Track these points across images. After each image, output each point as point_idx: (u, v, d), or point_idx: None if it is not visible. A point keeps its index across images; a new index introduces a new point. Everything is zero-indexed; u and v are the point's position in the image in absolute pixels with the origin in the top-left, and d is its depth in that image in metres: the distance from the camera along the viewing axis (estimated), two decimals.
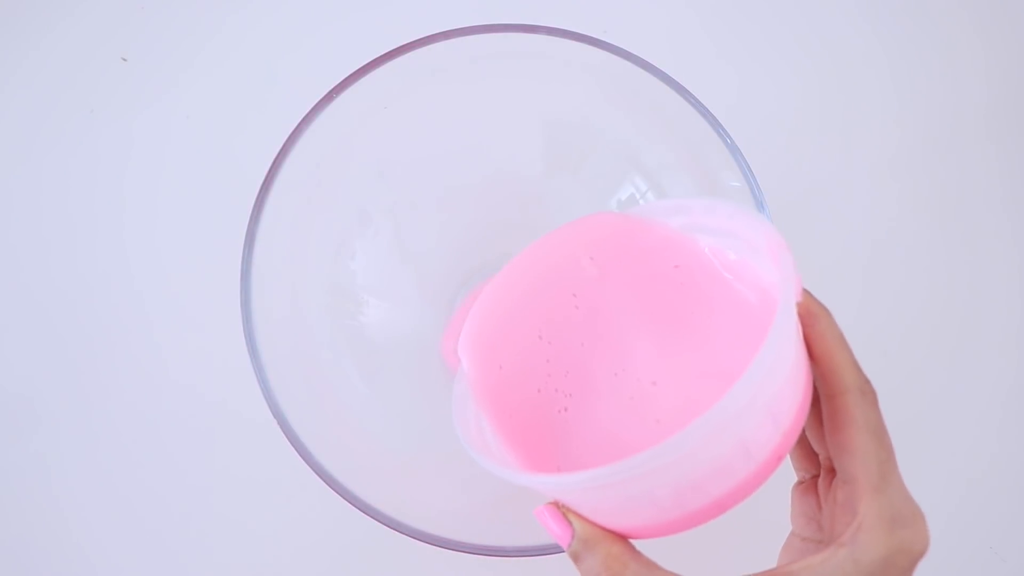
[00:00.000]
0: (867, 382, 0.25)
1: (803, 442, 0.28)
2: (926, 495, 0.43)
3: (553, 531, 0.25)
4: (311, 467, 0.34)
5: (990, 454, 0.45)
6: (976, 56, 0.50)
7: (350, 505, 0.34)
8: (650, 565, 0.24)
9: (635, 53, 0.37)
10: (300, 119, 0.37)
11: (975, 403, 0.45)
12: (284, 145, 0.36)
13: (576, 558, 0.25)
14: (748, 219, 0.26)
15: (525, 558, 0.33)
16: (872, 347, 0.45)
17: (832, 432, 0.25)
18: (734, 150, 0.36)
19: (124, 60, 0.49)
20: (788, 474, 0.31)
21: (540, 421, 0.30)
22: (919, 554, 0.23)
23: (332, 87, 0.37)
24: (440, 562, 0.37)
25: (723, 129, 0.36)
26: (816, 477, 0.28)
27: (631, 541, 0.25)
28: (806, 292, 0.26)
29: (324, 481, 0.34)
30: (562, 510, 0.25)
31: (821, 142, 0.48)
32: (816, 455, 0.28)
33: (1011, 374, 0.46)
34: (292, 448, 0.34)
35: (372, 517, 0.33)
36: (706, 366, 0.29)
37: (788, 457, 0.29)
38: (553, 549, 0.33)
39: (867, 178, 0.48)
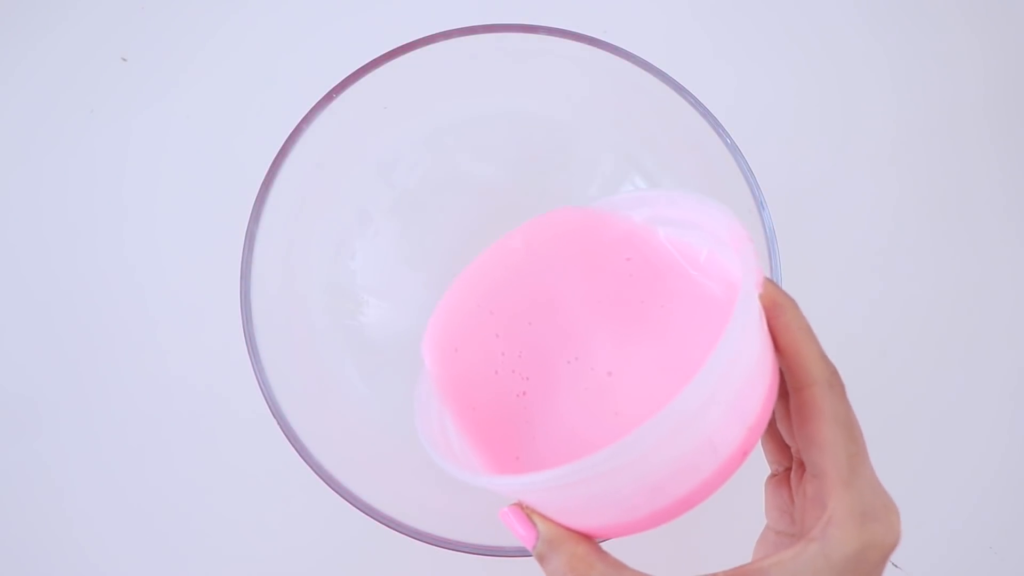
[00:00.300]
0: (835, 373, 0.24)
1: (775, 435, 0.28)
2: (926, 495, 0.43)
3: (518, 533, 0.25)
4: (310, 466, 0.34)
5: (990, 454, 0.45)
6: (975, 53, 0.50)
7: (349, 504, 0.34)
8: (617, 565, 0.24)
9: (635, 53, 0.37)
10: (300, 119, 0.37)
11: (975, 402, 0.45)
12: (284, 145, 0.36)
13: (541, 559, 0.24)
14: (710, 210, 0.26)
15: (525, 558, 0.33)
16: (871, 347, 0.46)
17: (800, 425, 0.24)
18: (734, 150, 0.36)
19: (124, 60, 0.49)
20: (756, 470, 0.31)
21: (501, 411, 0.30)
22: (890, 547, 0.23)
23: (332, 87, 0.37)
24: (438, 562, 0.37)
25: (723, 129, 0.36)
26: (789, 470, 0.28)
27: (598, 541, 0.25)
28: (771, 283, 0.25)
29: (323, 480, 0.34)
30: (526, 511, 0.25)
31: (821, 141, 0.48)
32: (788, 448, 0.28)
33: (1012, 373, 0.46)
34: (292, 447, 0.34)
35: (371, 516, 0.33)
36: (666, 359, 0.29)
37: (761, 450, 0.29)
38: None
39: (867, 177, 0.48)
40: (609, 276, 0.30)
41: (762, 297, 0.25)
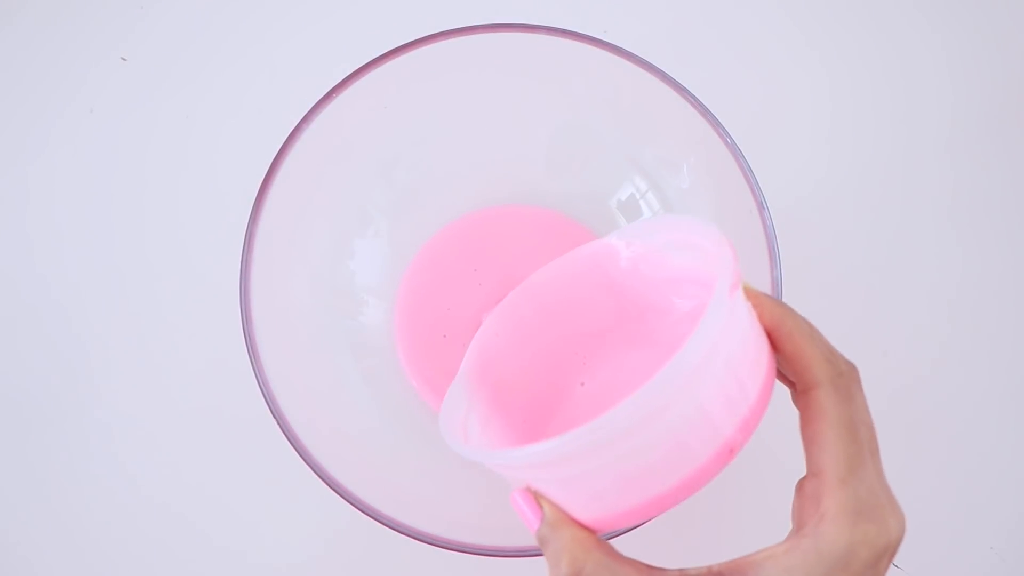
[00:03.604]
0: (841, 374, 0.25)
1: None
2: (926, 495, 0.43)
3: (524, 514, 0.25)
4: (311, 467, 0.34)
5: (990, 454, 0.45)
6: (984, 60, 0.50)
7: (350, 505, 0.34)
8: (613, 553, 0.25)
9: (635, 53, 0.37)
10: (300, 119, 0.37)
11: (975, 402, 0.45)
12: (284, 145, 0.36)
13: (543, 542, 0.25)
14: (696, 226, 0.28)
15: (524, 558, 0.33)
16: (872, 347, 0.46)
17: (804, 425, 0.25)
18: (734, 149, 0.36)
19: (124, 60, 0.49)
20: (754, 469, 0.31)
21: (528, 419, 0.33)
22: (883, 547, 0.23)
23: (332, 87, 0.37)
24: (440, 562, 0.37)
25: (723, 129, 0.36)
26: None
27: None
28: (768, 297, 0.26)
29: (323, 481, 0.34)
30: (535, 495, 0.25)
31: (820, 140, 0.48)
32: None
33: (1012, 372, 0.46)
34: (292, 448, 0.34)
35: (372, 517, 0.33)
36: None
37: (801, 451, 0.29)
38: None
39: (867, 176, 0.48)
40: (614, 305, 0.33)
41: (762, 313, 0.26)
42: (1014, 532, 0.44)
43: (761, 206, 0.35)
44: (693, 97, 0.36)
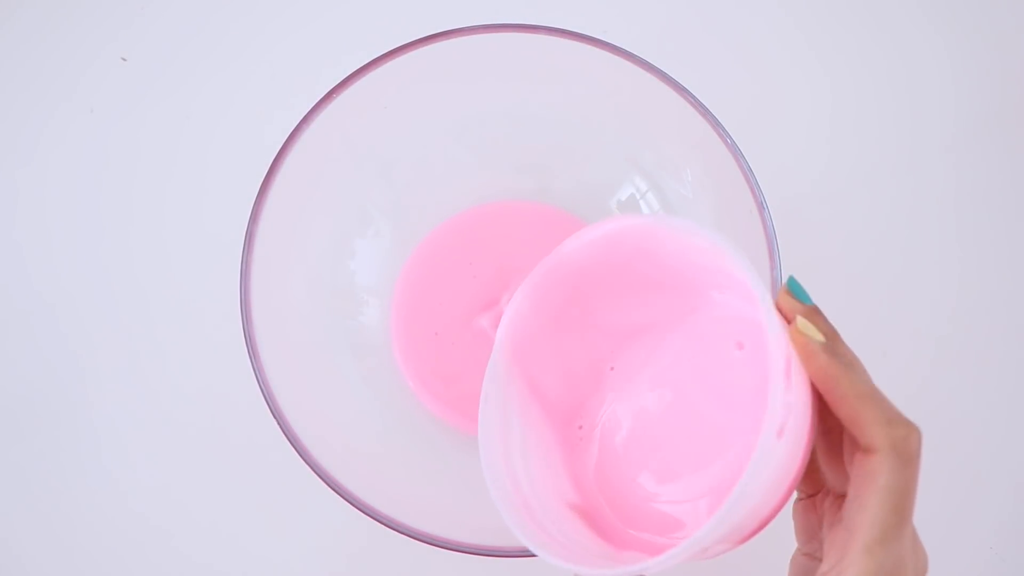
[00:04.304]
0: (903, 438, 0.23)
1: (811, 462, 0.28)
2: (926, 495, 0.43)
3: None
4: (311, 467, 0.34)
5: (989, 454, 0.45)
6: (986, 59, 0.50)
7: (349, 504, 0.34)
8: None
9: (635, 53, 0.37)
10: (300, 119, 0.37)
11: (975, 402, 0.45)
12: (284, 145, 0.36)
13: None
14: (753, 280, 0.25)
15: (525, 558, 0.33)
16: (871, 347, 0.45)
17: (853, 483, 0.24)
18: (734, 149, 0.36)
19: (124, 60, 0.49)
20: None
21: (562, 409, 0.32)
22: None
23: (332, 87, 0.37)
24: (440, 562, 0.37)
25: (723, 129, 0.36)
26: (815, 495, 0.28)
27: None
28: (822, 349, 0.24)
29: (323, 481, 0.34)
30: None
31: (820, 141, 0.48)
32: (819, 474, 0.28)
33: (1012, 373, 0.46)
34: (292, 448, 0.34)
35: (372, 517, 0.33)
36: (695, 366, 0.31)
37: None
38: None
39: (867, 177, 0.48)
40: (652, 287, 0.30)
41: (811, 368, 0.24)
42: (1014, 532, 0.44)
43: (761, 206, 0.35)
44: (693, 97, 0.36)
